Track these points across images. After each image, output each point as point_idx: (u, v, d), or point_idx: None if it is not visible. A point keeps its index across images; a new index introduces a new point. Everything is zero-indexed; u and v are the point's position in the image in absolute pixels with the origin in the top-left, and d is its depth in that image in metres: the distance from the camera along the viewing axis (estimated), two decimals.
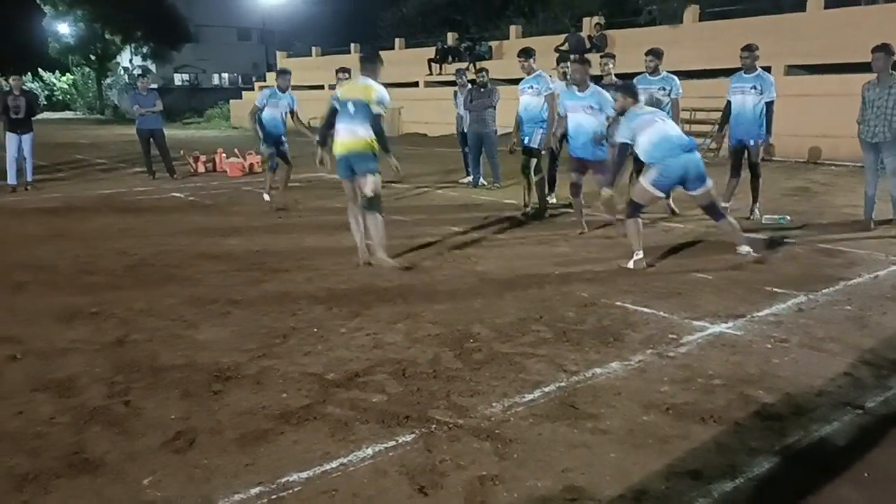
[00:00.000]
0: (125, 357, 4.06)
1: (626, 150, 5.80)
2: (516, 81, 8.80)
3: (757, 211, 7.76)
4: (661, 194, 5.90)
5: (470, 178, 11.05)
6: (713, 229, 6.49)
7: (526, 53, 8.15)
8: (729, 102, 7.74)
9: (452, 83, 12.53)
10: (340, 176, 5.93)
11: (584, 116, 6.84)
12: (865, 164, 7.20)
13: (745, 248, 5.86)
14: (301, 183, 9.64)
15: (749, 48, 7.67)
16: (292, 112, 9.14)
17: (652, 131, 5.67)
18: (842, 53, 12.90)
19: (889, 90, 6.76)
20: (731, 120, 7.73)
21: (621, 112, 5.93)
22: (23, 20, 46.73)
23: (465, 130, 10.98)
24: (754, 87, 7.53)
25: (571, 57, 8.13)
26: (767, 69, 12.89)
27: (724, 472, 2.78)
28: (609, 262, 6.02)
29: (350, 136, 5.73)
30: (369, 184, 5.72)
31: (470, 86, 11.14)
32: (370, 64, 5.90)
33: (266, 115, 9.00)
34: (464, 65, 18.94)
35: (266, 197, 9.25)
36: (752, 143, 7.58)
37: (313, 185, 10.76)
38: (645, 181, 5.76)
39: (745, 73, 7.66)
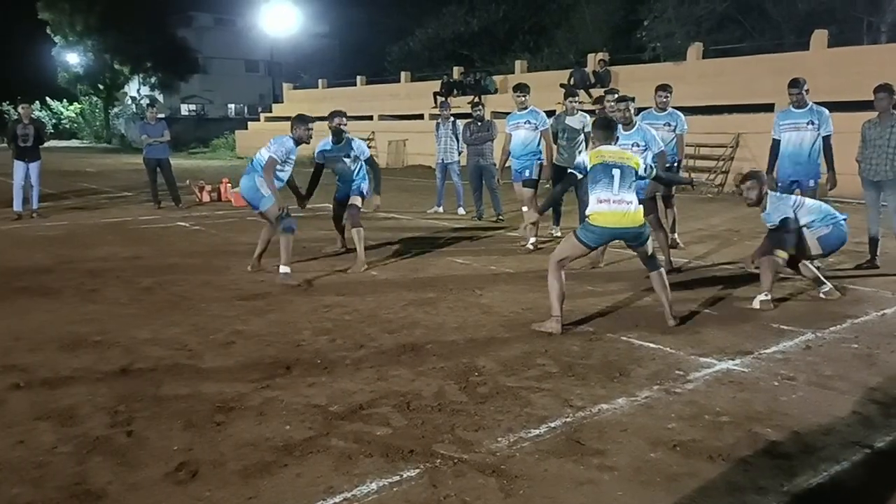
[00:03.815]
0: (128, 386, 4.04)
1: (791, 223, 5.73)
2: None
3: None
4: (821, 251, 5.94)
5: (438, 209, 11.70)
6: (710, 265, 6.43)
7: (522, 89, 8.43)
8: (776, 142, 7.15)
9: (457, 116, 12.69)
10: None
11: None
12: (867, 202, 7.18)
13: (826, 287, 5.91)
14: (306, 213, 9.65)
15: (797, 83, 7.07)
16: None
17: (810, 207, 5.89)
18: (845, 92, 12.99)
19: (891, 129, 6.80)
20: (782, 160, 7.12)
21: (758, 202, 5.88)
22: (33, 50, 47.50)
23: (442, 161, 11.73)
24: (811, 123, 6.95)
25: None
26: (770, 107, 13.08)
27: None
28: (613, 295, 6.01)
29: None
30: None
31: (453, 119, 11.78)
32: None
33: (280, 174, 6.76)
34: (468, 98, 19.11)
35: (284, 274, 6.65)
36: (811, 183, 6.96)
37: (318, 216, 10.79)
38: (809, 234, 5.81)
39: (794, 107, 7.13)
